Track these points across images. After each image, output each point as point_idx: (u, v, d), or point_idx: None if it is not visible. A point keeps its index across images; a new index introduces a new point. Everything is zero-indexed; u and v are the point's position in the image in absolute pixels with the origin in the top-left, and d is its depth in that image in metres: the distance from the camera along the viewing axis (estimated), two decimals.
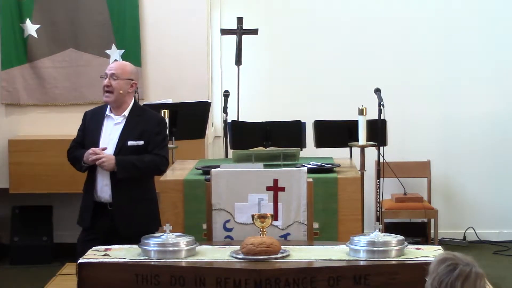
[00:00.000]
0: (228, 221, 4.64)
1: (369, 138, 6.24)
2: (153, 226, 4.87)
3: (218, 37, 7.88)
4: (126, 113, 4.83)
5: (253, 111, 7.59)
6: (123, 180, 4.74)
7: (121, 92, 4.78)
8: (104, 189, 4.78)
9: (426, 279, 2.90)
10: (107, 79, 4.79)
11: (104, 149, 4.74)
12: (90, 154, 4.73)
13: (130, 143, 4.76)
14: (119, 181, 4.74)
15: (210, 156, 7.43)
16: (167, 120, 5.91)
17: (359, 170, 6.00)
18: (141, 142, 4.78)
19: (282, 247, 4.08)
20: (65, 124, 7.15)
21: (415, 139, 7.89)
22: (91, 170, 4.82)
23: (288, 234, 4.63)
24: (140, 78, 7.13)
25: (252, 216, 4.17)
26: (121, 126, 4.81)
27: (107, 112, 4.85)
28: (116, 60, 7.12)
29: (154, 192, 4.96)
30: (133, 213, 4.78)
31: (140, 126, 4.80)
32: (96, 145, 4.78)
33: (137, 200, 4.81)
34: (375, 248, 3.95)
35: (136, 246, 4.12)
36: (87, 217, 4.83)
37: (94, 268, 3.96)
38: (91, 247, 4.31)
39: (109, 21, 7.25)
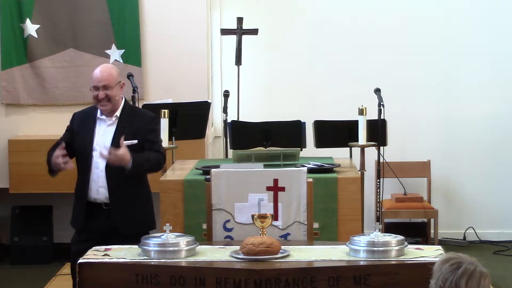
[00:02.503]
0: (228, 221, 4.64)
1: (369, 138, 6.24)
2: (150, 224, 4.89)
3: (218, 37, 7.88)
4: (118, 113, 4.83)
5: (253, 111, 7.59)
6: (119, 181, 4.74)
7: (116, 98, 4.81)
8: (100, 191, 4.78)
9: (430, 280, 2.90)
10: (100, 91, 4.76)
11: (63, 148, 4.67)
12: (56, 158, 4.64)
13: (124, 142, 4.74)
14: (116, 183, 4.74)
15: (210, 156, 7.43)
16: (167, 120, 5.92)
17: (359, 170, 6.00)
18: (135, 141, 4.77)
19: (282, 247, 4.07)
20: (65, 124, 7.09)
21: (415, 139, 7.89)
22: (83, 172, 4.81)
23: (288, 234, 4.63)
24: (140, 78, 7.14)
25: (252, 216, 4.17)
26: (114, 127, 4.80)
27: (98, 115, 4.84)
28: (116, 60, 7.12)
29: (149, 190, 4.97)
30: (131, 213, 4.79)
31: (133, 125, 4.80)
32: (90, 147, 4.78)
33: (134, 199, 4.82)
34: (375, 248, 3.95)
35: (136, 246, 4.12)
36: (81, 218, 4.82)
37: (94, 268, 3.96)
38: (85, 248, 4.31)
39: (109, 21, 7.25)
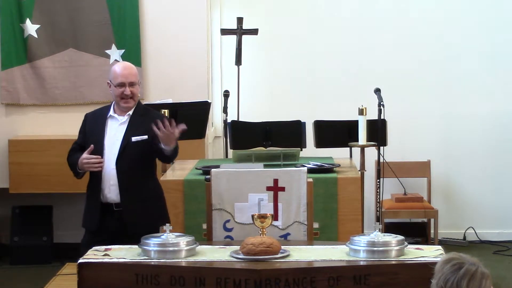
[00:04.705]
0: (228, 221, 4.64)
1: (369, 138, 6.23)
2: (162, 223, 4.87)
3: (218, 37, 7.88)
4: (131, 112, 4.84)
5: (253, 111, 7.59)
6: (130, 177, 4.74)
7: (139, 95, 4.87)
8: (111, 189, 4.76)
9: (432, 280, 2.89)
10: (126, 88, 4.77)
11: (98, 157, 4.72)
12: (84, 160, 4.70)
13: (134, 138, 4.76)
14: (127, 181, 4.75)
15: (210, 156, 7.43)
16: None
17: (359, 170, 6.00)
18: (145, 136, 4.77)
19: (282, 247, 4.08)
20: (65, 124, 7.15)
21: (415, 139, 7.89)
22: (95, 171, 4.81)
23: (288, 234, 4.63)
24: (140, 78, 7.12)
25: (252, 216, 4.17)
26: (125, 125, 4.81)
27: (111, 112, 4.84)
28: (116, 60, 7.12)
29: (160, 189, 4.96)
30: (141, 212, 4.77)
31: (145, 125, 4.79)
32: (101, 147, 4.77)
33: (145, 198, 4.80)
34: (375, 248, 3.95)
35: (136, 246, 4.12)
36: (95, 219, 4.79)
37: (94, 268, 3.96)
38: None
39: (109, 21, 7.25)
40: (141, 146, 4.76)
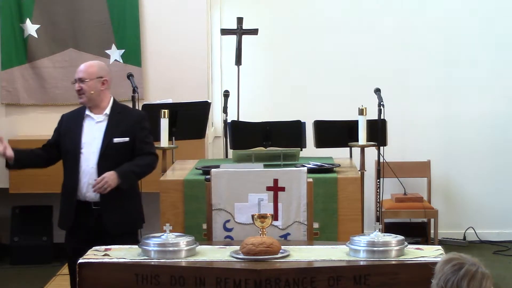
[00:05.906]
0: (228, 221, 4.64)
1: (369, 138, 6.23)
2: (139, 223, 4.92)
3: (218, 37, 7.89)
4: (108, 111, 4.87)
5: (253, 111, 7.59)
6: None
7: (92, 92, 4.83)
8: (90, 188, 4.78)
9: (432, 280, 2.89)
10: (76, 84, 4.84)
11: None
12: None
13: (116, 140, 4.80)
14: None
15: (210, 156, 7.43)
16: (167, 120, 5.92)
17: (359, 170, 6.00)
18: (127, 139, 4.82)
19: (282, 247, 4.07)
20: None
21: (415, 139, 7.90)
22: (72, 170, 4.81)
23: (288, 234, 4.63)
24: (140, 78, 7.14)
25: (252, 216, 4.17)
26: (103, 124, 4.84)
27: (87, 112, 4.88)
28: (116, 60, 7.13)
29: (138, 190, 5.01)
30: (120, 211, 4.80)
31: (124, 123, 4.84)
32: (78, 145, 4.80)
33: (124, 197, 4.82)
34: (375, 248, 3.95)
35: (136, 246, 4.13)
36: (69, 217, 4.82)
37: (94, 268, 3.96)
38: (77, 247, 4.40)
39: (109, 21, 7.25)
40: (122, 147, 4.80)
